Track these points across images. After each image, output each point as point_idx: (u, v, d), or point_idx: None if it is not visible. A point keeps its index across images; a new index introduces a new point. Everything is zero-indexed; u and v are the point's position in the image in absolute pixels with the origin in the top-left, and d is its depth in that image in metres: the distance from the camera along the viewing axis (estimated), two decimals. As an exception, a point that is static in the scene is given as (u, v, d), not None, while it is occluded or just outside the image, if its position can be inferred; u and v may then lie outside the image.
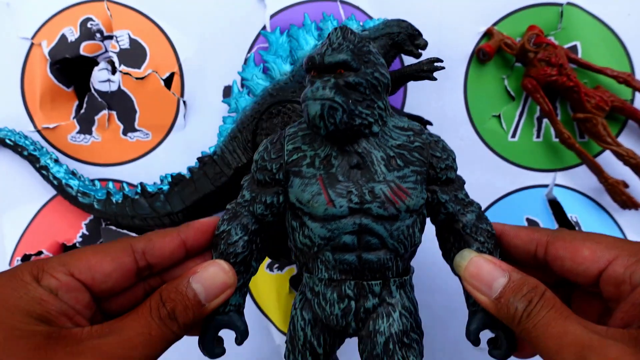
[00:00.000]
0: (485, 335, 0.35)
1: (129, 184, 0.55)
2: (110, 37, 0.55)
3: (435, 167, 0.35)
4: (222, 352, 0.36)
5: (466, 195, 0.37)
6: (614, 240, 0.33)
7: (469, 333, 0.35)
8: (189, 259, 0.36)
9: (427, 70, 0.43)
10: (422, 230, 0.35)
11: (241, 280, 0.35)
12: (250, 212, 0.36)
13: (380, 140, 0.34)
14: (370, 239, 0.33)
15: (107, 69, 0.55)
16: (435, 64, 0.43)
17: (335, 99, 0.31)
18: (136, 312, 0.32)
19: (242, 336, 0.36)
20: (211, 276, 0.33)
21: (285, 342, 0.37)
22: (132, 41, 0.55)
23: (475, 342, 0.35)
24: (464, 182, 0.37)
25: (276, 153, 0.35)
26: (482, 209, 0.55)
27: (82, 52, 0.55)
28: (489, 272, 0.32)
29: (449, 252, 0.37)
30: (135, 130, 0.55)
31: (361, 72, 0.33)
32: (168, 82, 0.55)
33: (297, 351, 0.36)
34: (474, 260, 0.33)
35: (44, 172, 0.54)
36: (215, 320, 0.35)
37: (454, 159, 0.36)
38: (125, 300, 0.34)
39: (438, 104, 0.55)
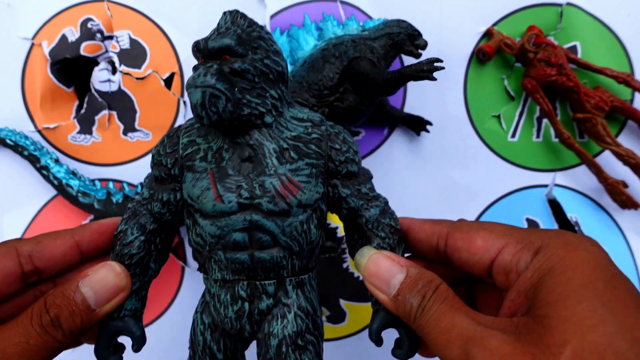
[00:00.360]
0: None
1: (129, 184, 0.55)
2: (111, 37, 0.55)
3: (334, 159, 0.33)
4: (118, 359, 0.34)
5: (371, 189, 0.35)
6: (505, 228, 0.32)
7: (371, 333, 0.34)
8: (85, 263, 0.34)
9: (427, 71, 0.43)
10: (319, 226, 0.34)
11: (137, 284, 0.34)
12: (149, 211, 0.34)
13: (274, 132, 0.32)
14: (261, 236, 0.32)
15: (107, 69, 0.55)
16: (435, 64, 0.43)
17: (217, 86, 0.30)
18: (16, 320, 0.30)
19: (138, 342, 0.34)
20: (102, 279, 0.31)
21: (188, 347, 0.36)
22: (133, 41, 0.55)
23: (378, 342, 0.34)
24: (370, 176, 0.35)
25: (172, 147, 0.33)
26: (482, 209, 0.55)
27: (82, 52, 0.55)
28: (387, 269, 0.31)
29: (354, 249, 0.35)
30: (135, 130, 0.56)
31: (248, 58, 0.31)
32: (168, 82, 0.55)
33: (197, 357, 0.35)
34: (372, 257, 0.32)
35: (44, 172, 0.54)
36: (109, 326, 0.33)
37: (356, 152, 0.34)
38: (12, 307, 0.33)
39: (438, 104, 0.55)
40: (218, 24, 0.32)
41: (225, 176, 0.32)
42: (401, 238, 0.35)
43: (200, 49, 0.31)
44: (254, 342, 0.35)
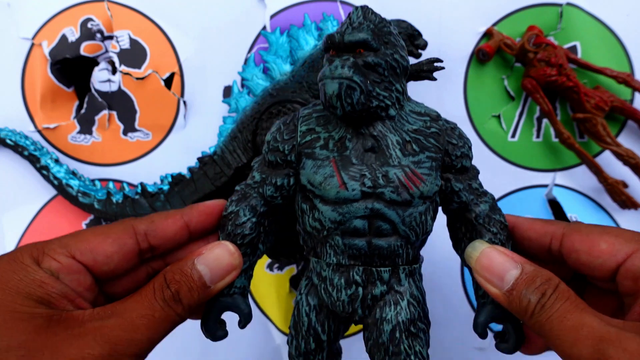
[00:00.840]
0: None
1: (129, 184, 0.55)
2: (111, 37, 0.55)
3: (451, 154, 0.34)
4: (225, 335, 0.35)
5: (480, 185, 0.36)
6: (633, 234, 0.32)
7: (477, 325, 0.35)
8: (192, 242, 0.36)
9: (427, 71, 0.43)
10: (434, 218, 0.35)
11: (247, 263, 0.35)
12: (260, 194, 0.35)
13: (397, 124, 0.33)
14: (381, 224, 0.32)
15: (107, 69, 0.55)
16: (435, 64, 0.43)
17: (354, 79, 0.31)
18: (139, 293, 0.31)
19: (245, 319, 0.35)
20: (217, 258, 0.33)
21: (289, 327, 0.37)
22: (133, 41, 0.55)
23: (483, 334, 0.35)
24: (478, 172, 0.36)
25: (289, 134, 0.34)
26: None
27: (82, 52, 0.55)
28: (501, 263, 0.31)
29: (460, 242, 0.36)
30: (135, 130, 0.56)
31: (381, 52, 0.32)
32: (168, 82, 0.55)
33: (301, 337, 0.35)
34: (485, 252, 0.32)
35: (44, 172, 0.54)
36: (219, 302, 0.34)
37: (470, 147, 0.35)
38: (128, 282, 0.34)
39: (438, 104, 0.55)
40: (350, 19, 0.33)
41: (349, 164, 0.32)
42: (509, 235, 0.35)
43: (335, 42, 0.32)
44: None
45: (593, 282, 0.35)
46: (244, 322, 0.35)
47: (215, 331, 0.34)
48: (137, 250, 0.33)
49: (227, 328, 0.35)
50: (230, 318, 0.36)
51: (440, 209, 0.36)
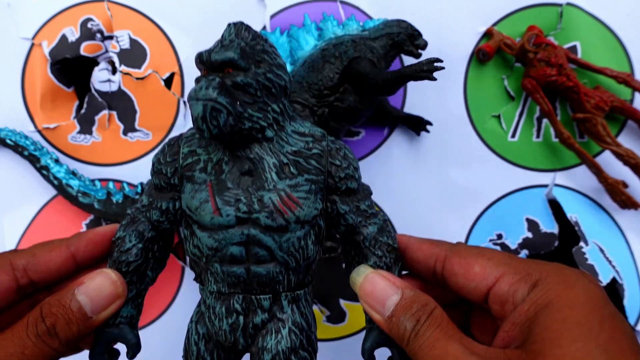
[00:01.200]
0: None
1: (129, 184, 0.55)
2: (111, 38, 0.55)
3: (334, 175, 0.33)
4: None
5: (370, 206, 0.35)
6: (504, 257, 0.31)
7: (364, 351, 0.34)
8: (81, 272, 0.34)
9: (427, 71, 0.43)
10: (317, 242, 0.33)
11: (134, 291, 0.34)
12: (147, 218, 0.34)
13: (275, 146, 0.32)
14: (258, 250, 0.31)
15: (107, 69, 0.55)
16: (435, 64, 0.43)
17: (219, 100, 0.29)
18: (11, 329, 0.29)
19: (133, 350, 0.34)
20: (98, 287, 0.31)
21: (182, 355, 0.36)
22: (133, 41, 0.55)
23: None
24: (369, 193, 0.35)
25: (172, 156, 0.33)
26: (481, 209, 0.55)
27: (82, 52, 0.55)
28: (382, 289, 0.31)
29: (350, 265, 0.35)
30: (135, 130, 0.56)
31: (251, 72, 0.31)
32: (168, 82, 0.55)
33: None
34: (368, 277, 0.32)
35: (44, 172, 0.54)
36: (105, 333, 0.33)
37: (356, 168, 0.34)
38: (9, 317, 0.32)
39: (438, 104, 0.55)
40: (222, 36, 0.32)
41: (225, 189, 0.31)
42: (398, 257, 0.34)
43: (203, 61, 0.31)
44: (247, 355, 0.35)
45: (480, 304, 0.34)
46: (132, 353, 0.34)
47: None
48: (15, 287, 0.32)
49: None
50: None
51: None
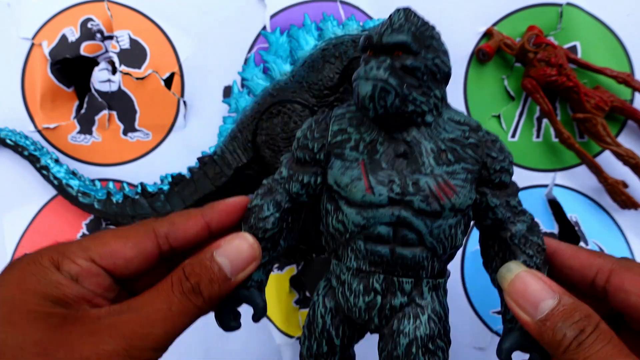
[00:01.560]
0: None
1: (129, 184, 0.55)
2: (111, 38, 0.55)
3: (489, 167, 0.32)
4: (238, 326, 0.34)
5: (519, 202, 0.34)
6: None
7: (501, 351, 0.33)
8: (213, 240, 0.35)
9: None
10: (465, 232, 0.33)
11: (266, 257, 0.34)
12: (286, 190, 0.34)
13: (432, 132, 0.32)
14: (407, 233, 0.31)
15: (107, 69, 0.55)
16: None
17: (389, 81, 0.30)
18: (156, 288, 0.31)
19: (260, 313, 0.34)
20: (236, 249, 0.32)
21: (303, 326, 0.36)
22: (133, 41, 0.55)
23: None
24: (518, 189, 0.34)
25: (320, 132, 0.34)
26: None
27: (82, 52, 0.55)
28: (537, 290, 0.30)
29: (492, 261, 0.35)
30: (135, 130, 0.56)
31: (420, 56, 0.30)
32: (168, 82, 0.55)
33: (314, 338, 0.35)
34: (521, 275, 0.30)
35: (44, 172, 0.54)
36: (236, 294, 0.34)
37: (511, 162, 0.33)
38: (150, 279, 0.33)
39: (438, 104, 0.55)
40: (390, 19, 0.32)
41: (378, 168, 0.31)
42: (546, 260, 0.34)
43: (373, 43, 0.31)
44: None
45: (632, 324, 0.33)
46: (258, 316, 0.34)
47: (228, 322, 0.34)
48: (158, 253, 0.33)
49: (223, 331, 0.35)
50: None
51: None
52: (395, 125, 0.32)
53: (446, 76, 0.33)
